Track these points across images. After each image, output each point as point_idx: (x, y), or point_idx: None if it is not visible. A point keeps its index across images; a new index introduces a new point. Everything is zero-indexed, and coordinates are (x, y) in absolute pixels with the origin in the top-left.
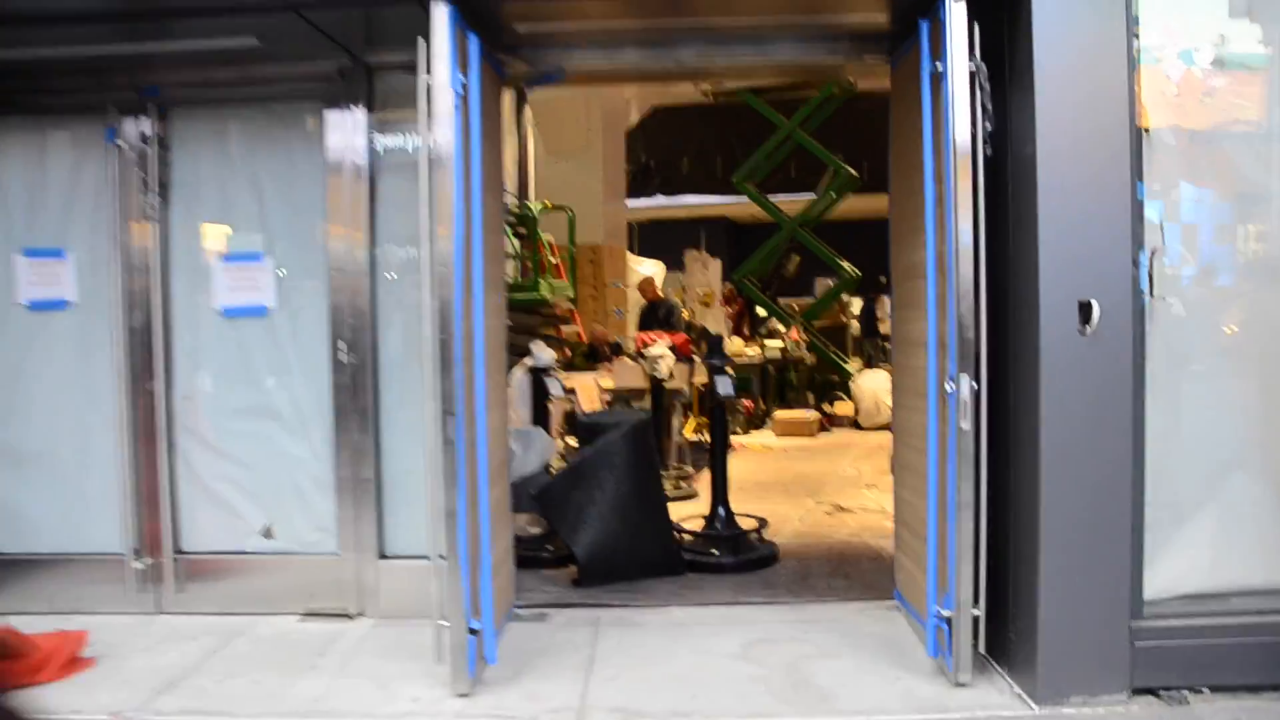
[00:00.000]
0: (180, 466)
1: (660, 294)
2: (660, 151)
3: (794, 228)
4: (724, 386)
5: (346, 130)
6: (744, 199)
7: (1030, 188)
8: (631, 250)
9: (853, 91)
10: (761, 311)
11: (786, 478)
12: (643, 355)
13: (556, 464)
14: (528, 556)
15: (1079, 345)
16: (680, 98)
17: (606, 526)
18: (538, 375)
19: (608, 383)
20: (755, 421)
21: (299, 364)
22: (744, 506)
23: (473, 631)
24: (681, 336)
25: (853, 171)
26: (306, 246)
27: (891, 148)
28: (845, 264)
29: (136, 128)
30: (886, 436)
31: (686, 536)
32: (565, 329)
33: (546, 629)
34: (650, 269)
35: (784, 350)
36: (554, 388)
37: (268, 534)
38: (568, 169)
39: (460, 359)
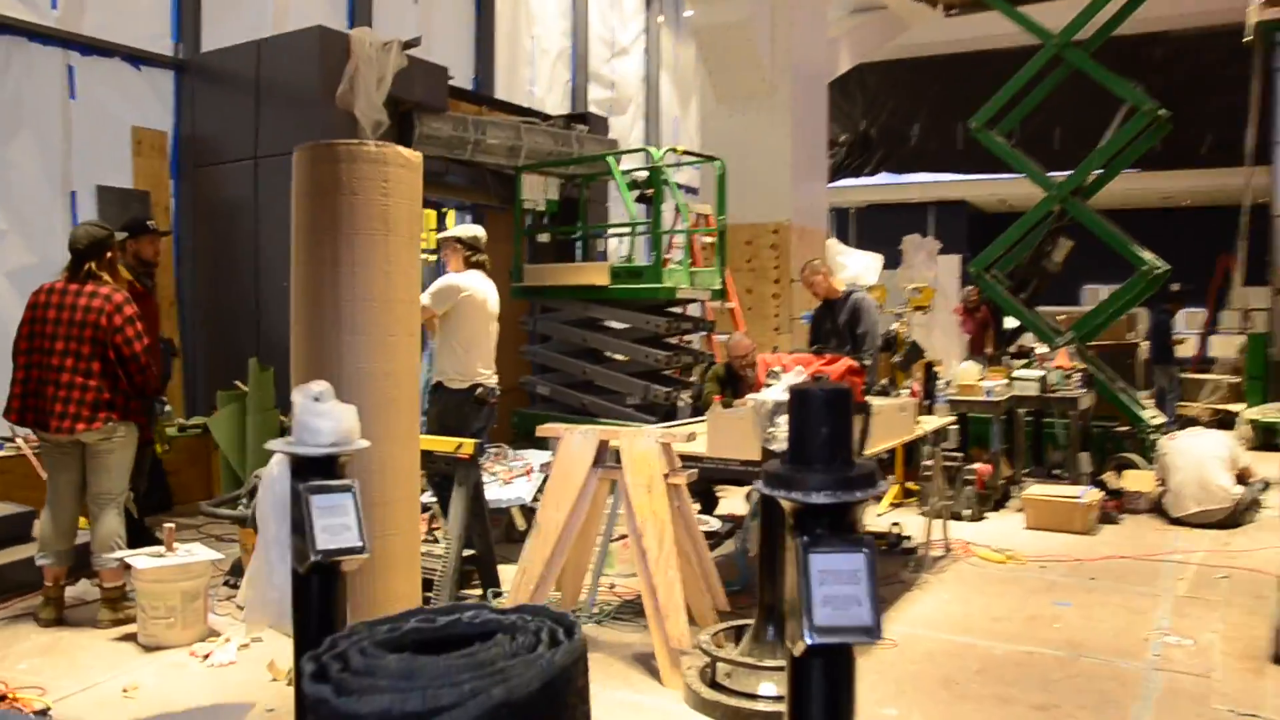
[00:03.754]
0: None
1: (839, 289)
2: (883, 118)
3: (1065, 197)
4: None
5: None
6: (987, 177)
7: None
8: (842, 239)
9: None
10: (1011, 322)
11: (1037, 658)
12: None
13: None
14: None
15: None
16: (907, 47)
17: None
18: None
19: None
20: (992, 496)
21: None
22: None
23: None
24: (843, 364)
25: (1162, 110)
26: None
27: None
28: (1147, 254)
29: None
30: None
31: None
32: (716, 339)
33: None
34: (861, 263)
35: (1044, 384)
36: None
37: None
38: (745, 122)
39: None
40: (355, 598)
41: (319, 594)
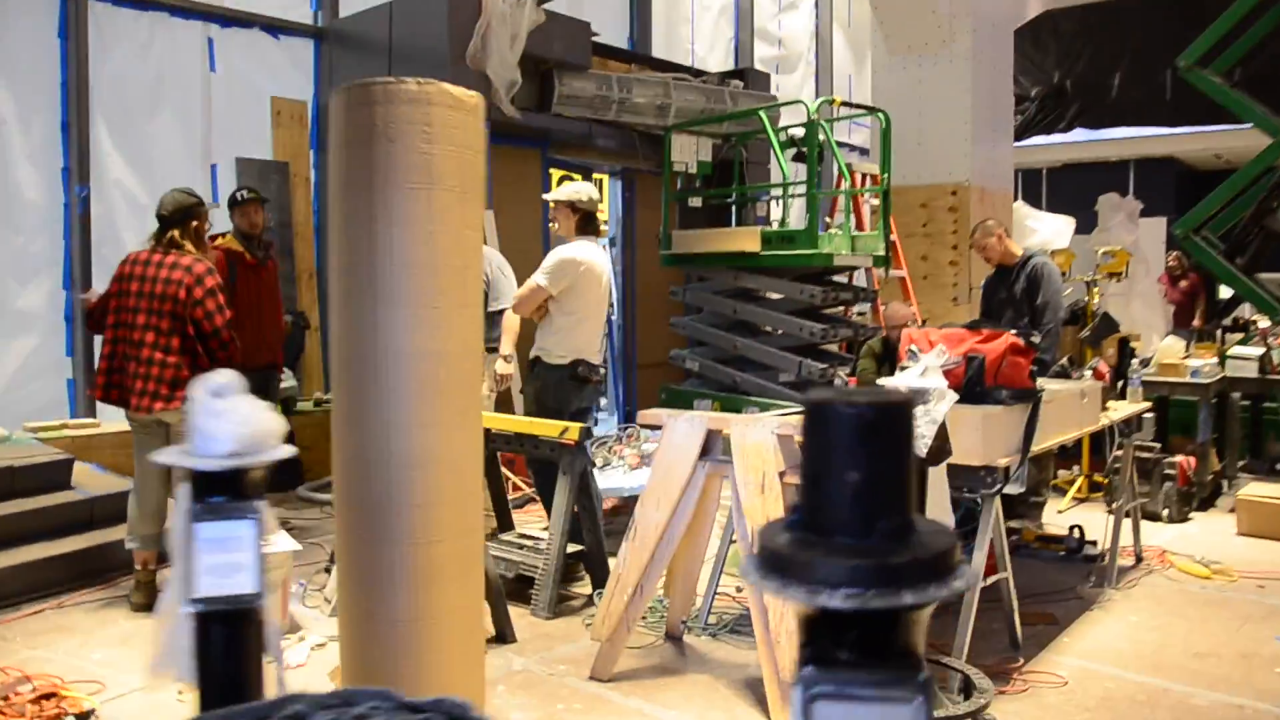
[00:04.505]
0: None
1: (1016, 253)
2: (1079, 68)
3: None
4: None
5: None
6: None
7: None
8: (1032, 202)
9: None
10: (1226, 292)
11: (1250, 714)
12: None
13: None
14: None
15: None
16: None
17: None
18: None
19: None
20: (1195, 494)
21: None
22: None
23: None
24: (1004, 341)
25: None
26: None
27: None
28: None
29: None
30: None
31: None
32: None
33: None
34: (1052, 227)
35: (1266, 363)
36: None
37: None
38: (919, 76)
39: None
40: (391, 612)
41: (223, 644)
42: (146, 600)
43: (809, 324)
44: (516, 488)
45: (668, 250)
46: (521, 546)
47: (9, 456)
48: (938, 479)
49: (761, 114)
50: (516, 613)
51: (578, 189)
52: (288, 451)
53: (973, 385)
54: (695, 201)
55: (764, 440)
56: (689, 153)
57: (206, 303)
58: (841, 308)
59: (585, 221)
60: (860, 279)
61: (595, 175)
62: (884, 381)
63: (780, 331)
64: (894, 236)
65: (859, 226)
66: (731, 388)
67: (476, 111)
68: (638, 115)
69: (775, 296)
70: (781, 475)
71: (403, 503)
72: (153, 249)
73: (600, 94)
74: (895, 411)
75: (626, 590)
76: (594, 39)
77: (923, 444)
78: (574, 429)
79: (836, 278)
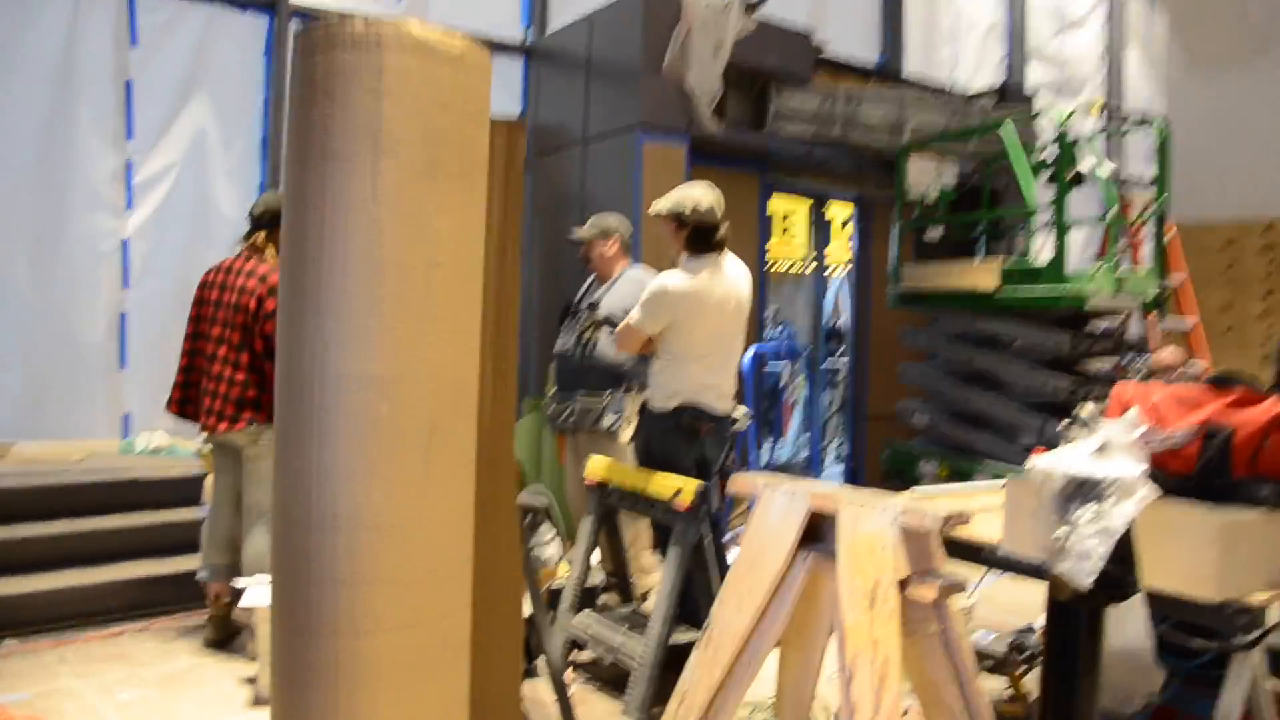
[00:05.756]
0: None
1: None
2: None
3: None
4: None
5: None
6: None
7: None
8: None
9: None
10: None
11: None
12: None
13: None
14: None
15: None
16: None
17: None
18: None
19: (988, 531)
20: None
21: None
22: None
23: None
24: (1270, 408)
25: None
26: None
27: None
28: None
29: None
30: None
31: None
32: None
33: None
34: None
35: None
36: None
37: None
38: (1224, 91)
39: None
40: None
41: None
42: (219, 636)
43: (1055, 378)
44: None
45: (896, 287)
46: (631, 626)
47: (145, 468)
48: (1130, 617)
49: (1006, 129)
50: (609, 709)
51: (685, 196)
52: None
53: (1211, 475)
54: (932, 233)
55: (881, 533)
56: (927, 177)
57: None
58: (1103, 360)
59: (697, 237)
60: (1136, 327)
61: (833, 203)
62: (1038, 463)
63: (1023, 386)
64: (1179, 275)
65: (1135, 261)
66: (964, 448)
67: (463, 62)
68: (868, 134)
69: (1018, 344)
70: (903, 585)
71: (323, 576)
72: (237, 254)
73: (823, 110)
74: None
75: (693, 714)
76: (820, 54)
77: (1086, 569)
78: (688, 490)
79: (1100, 323)
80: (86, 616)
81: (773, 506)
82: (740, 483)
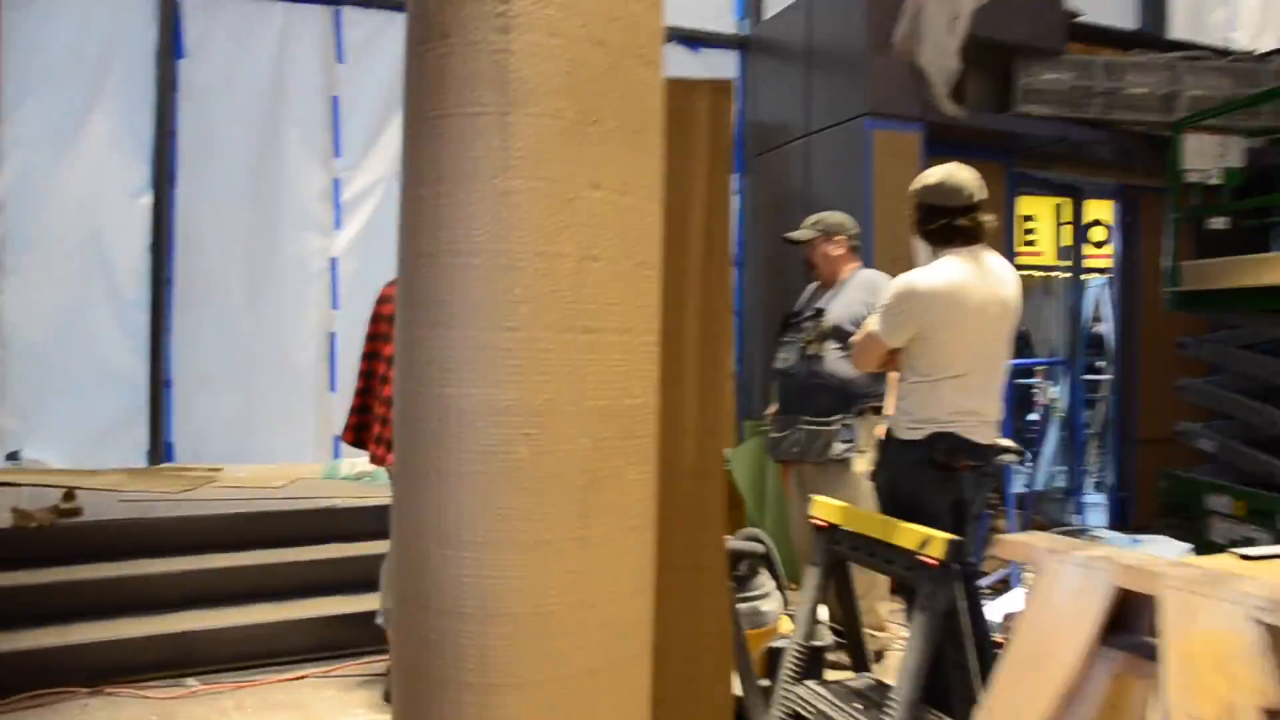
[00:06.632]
0: None
1: None
2: None
3: None
4: None
5: None
6: None
7: None
8: None
9: None
10: None
11: None
12: None
13: None
14: None
15: None
16: None
17: None
18: None
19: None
20: None
21: None
22: None
23: None
24: None
25: None
26: None
27: None
28: None
29: None
30: None
31: None
32: None
33: None
34: None
35: None
36: None
37: None
38: None
39: None
40: None
41: None
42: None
43: None
44: None
45: (1174, 287)
46: (867, 706)
47: (343, 495)
48: None
49: None
50: None
51: (944, 173)
52: None
53: None
54: (1217, 223)
55: (1234, 634)
56: (1208, 157)
57: None
58: None
59: (947, 226)
60: None
61: (1090, 201)
62: None
63: None
64: None
65: None
66: (1264, 483)
67: None
68: (1134, 111)
69: None
70: (1272, 717)
71: (447, 677)
72: None
73: (1080, 85)
74: None
75: None
76: (1074, 19)
77: None
78: (938, 541)
79: None
80: (269, 657)
81: (1060, 582)
82: (1013, 548)
